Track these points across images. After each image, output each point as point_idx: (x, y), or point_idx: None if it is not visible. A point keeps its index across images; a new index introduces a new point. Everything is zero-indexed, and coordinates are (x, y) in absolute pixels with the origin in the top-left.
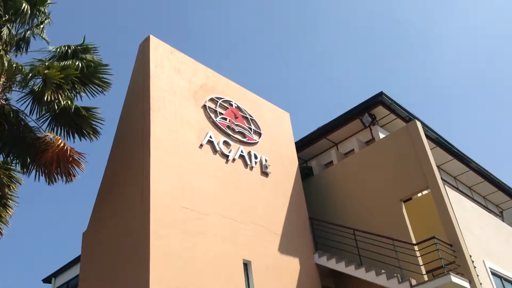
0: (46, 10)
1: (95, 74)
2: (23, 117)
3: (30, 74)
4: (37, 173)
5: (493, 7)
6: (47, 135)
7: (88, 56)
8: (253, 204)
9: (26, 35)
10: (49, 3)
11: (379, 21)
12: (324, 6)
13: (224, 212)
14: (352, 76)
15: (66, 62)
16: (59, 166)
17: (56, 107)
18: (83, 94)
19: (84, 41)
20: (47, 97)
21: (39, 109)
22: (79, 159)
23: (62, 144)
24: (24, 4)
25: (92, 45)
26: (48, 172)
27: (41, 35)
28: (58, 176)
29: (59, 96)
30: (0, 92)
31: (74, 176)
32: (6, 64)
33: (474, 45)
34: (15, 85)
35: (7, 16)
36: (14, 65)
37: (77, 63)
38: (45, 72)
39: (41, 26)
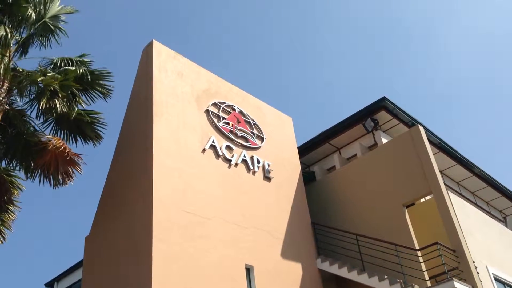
0: (57, 23)
1: (97, 81)
2: (27, 121)
3: (26, 82)
4: (42, 177)
5: (494, 9)
6: (48, 137)
7: (84, 68)
8: (255, 209)
9: (31, 42)
10: (62, 16)
11: (381, 26)
12: (327, 11)
13: (226, 217)
14: (355, 81)
15: (66, 68)
16: (57, 167)
17: (56, 112)
18: (83, 99)
19: (83, 54)
20: (42, 105)
21: (42, 114)
22: (78, 161)
23: (61, 144)
24: (29, 11)
25: (87, 58)
26: (52, 176)
27: (44, 44)
28: (58, 178)
29: (56, 103)
30: (4, 97)
31: (71, 178)
32: (2, 68)
33: (477, 49)
34: (16, 91)
35: (6, 19)
36: (20, 70)
37: (80, 71)
38: (39, 79)
39: (47, 36)
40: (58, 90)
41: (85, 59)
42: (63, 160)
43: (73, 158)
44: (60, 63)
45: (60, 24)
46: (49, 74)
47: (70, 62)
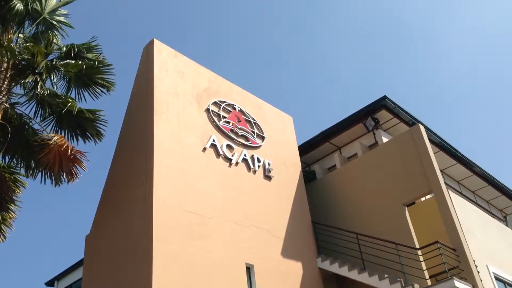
0: (57, 17)
1: (98, 75)
2: (27, 120)
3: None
4: (43, 175)
5: (494, 9)
6: (50, 135)
7: (92, 56)
8: (256, 208)
9: (34, 40)
10: (61, 12)
11: (382, 25)
12: (328, 11)
13: (227, 216)
14: (355, 80)
15: (69, 61)
16: (61, 166)
17: (36, 89)
18: (86, 95)
19: (89, 41)
20: (28, 80)
21: (43, 112)
22: (81, 158)
23: (63, 143)
24: (18, 6)
25: (95, 43)
26: (53, 174)
27: (45, 39)
28: (62, 177)
29: (38, 81)
30: (4, 96)
31: (76, 175)
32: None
33: (478, 48)
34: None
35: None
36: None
37: (80, 63)
38: (31, 47)
39: (50, 31)
40: (42, 66)
41: (93, 44)
42: (66, 158)
43: (76, 155)
44: (65, 51)
45: (61, 17)
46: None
47: (74, 50)
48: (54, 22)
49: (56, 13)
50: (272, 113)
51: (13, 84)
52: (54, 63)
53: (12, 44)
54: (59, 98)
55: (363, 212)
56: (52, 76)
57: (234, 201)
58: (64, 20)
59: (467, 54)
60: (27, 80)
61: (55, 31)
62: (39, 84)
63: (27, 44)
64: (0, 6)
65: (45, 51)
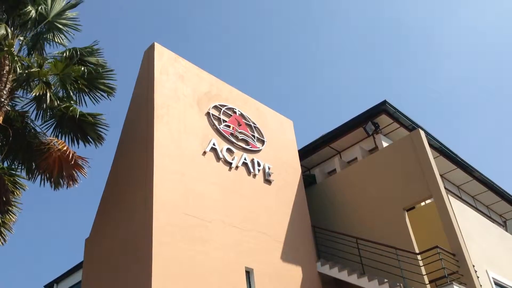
0: (63, 20)
1: (100, 80)
2: (28, 123)
3: (24, 76)
4: (42, 178)
5: (494, 9)
6: (51, 139)
7: (93, 59)
8: (256, 212)
9: (38, 42)
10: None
11: (383, 29)
12: (327, 13)
13: (227, 220)
14: (356, 85)
15: (70, 65)
16: (61, 170)
17: (46, 104)
18: (87, 99)
19: (91, 44)
20: (35, 93)
21: (44, 115)
22: (82, 164)
23: (65, 148)
24: (31, 11)
25: (97, 47)
26: (53, 177)
27: (52, 44)
28: (61, 180)
29: (47, 95)
30: (5, 98)
31: (76, 181)
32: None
33: (478, 53)
34: (18, 91)
35: (8, 18)
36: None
37: (82, 69)
38: (33, 70)
39: (55, 34)
40: (50, 82)
41: (95, 48)
42: (67, 163)
43: (77, 161)
44: (67, 55)
45: (67, 20)
46: (45, 67)
47: (76, 54)
48: (60, 26)
49: (63, 16)
50: (273, 117)
51: (14, 84)
52: (68, 82)
53: (13, 49)
54: (60, 101)
55: (363, 216)
56: (65, 86)
57: (234, 204)
58: (70, 23)
59: (468, 57)
60: (34, 94)
61: (61, 35)
62: (48, 95)
63: (37, 59)
64: (8, 10)
65: (61, 73)
